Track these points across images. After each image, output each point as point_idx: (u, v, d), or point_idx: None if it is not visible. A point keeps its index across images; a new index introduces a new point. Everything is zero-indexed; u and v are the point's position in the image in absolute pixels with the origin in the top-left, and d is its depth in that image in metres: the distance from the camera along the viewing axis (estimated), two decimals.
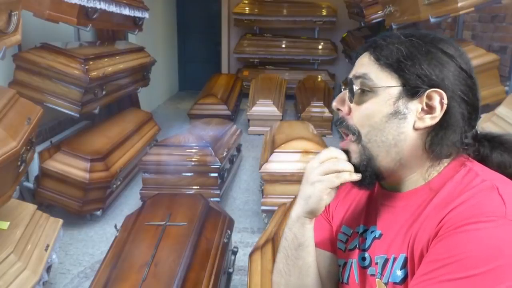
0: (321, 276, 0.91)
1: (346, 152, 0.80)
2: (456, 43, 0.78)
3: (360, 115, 0.78)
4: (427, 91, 0.73)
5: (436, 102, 0.73)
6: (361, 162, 0.78)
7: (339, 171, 0.78)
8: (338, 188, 0.81)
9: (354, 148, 0.79)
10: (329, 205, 0.95)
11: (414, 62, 0.74)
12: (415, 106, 0.74)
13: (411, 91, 0.74)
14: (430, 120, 0.74)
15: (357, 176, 0.78)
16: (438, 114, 0.73)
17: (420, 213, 0.73)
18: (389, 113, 0.75)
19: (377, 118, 0.76)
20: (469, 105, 0.75)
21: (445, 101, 0.73)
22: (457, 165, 0.75)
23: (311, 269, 0.87)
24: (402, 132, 0.75)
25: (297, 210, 0.83)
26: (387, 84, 0.75)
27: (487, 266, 0.61)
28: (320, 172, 0.79)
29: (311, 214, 0.82)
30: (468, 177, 0.72)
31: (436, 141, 0.74)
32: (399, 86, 0.75)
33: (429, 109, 0.74)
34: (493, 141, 0.80)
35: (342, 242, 0.88)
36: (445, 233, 0.66)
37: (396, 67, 0.75)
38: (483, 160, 0.78)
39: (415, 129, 0.75)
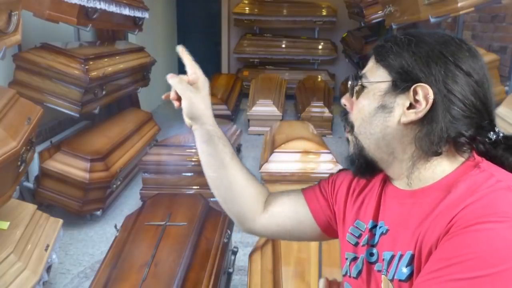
0: (285, 208, 1.00)
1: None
2: (463, 45, 0.76)
3: (356, 109, 0.82)
4: (413, 86, 0.74)
5: (421, 97, 0.73)
6: (355, 152, 0.83)
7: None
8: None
9: (350, 138, 0.85)
10: (334, 188, 0.97)
11: (401, 58, 0.75)
12: (402, 100, 0.75)
13: (398, 85, 0.75)
14: (414, 115, 0.74)
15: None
16: (422, 109, 0.73)
17: (431, 211, 0.72)
18: (376, 107, 0.78)
19: (366, 112, 0.79)
20: (464, 104, 0.73)
21: (431, 96, 0.72)
22: (470, 165, 0.74)
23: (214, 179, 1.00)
24: (388, 126, 0.77)
25: None
26: (378, 79, 0.78)
27: (496, 268, 0.60)
28: None
29: None
30: (482, 177, 0.70)
31: (421, 136, 0.74)
32: (387, 81, 0.77)
33: (416, 104, 0.74)
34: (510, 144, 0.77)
35: (354, 236, 0.88)
36: (456, 232, 0.64)
37: (386, 63, 0.77)
38: (498, 162, 0.76)
39: (401, 123, 0.75)
